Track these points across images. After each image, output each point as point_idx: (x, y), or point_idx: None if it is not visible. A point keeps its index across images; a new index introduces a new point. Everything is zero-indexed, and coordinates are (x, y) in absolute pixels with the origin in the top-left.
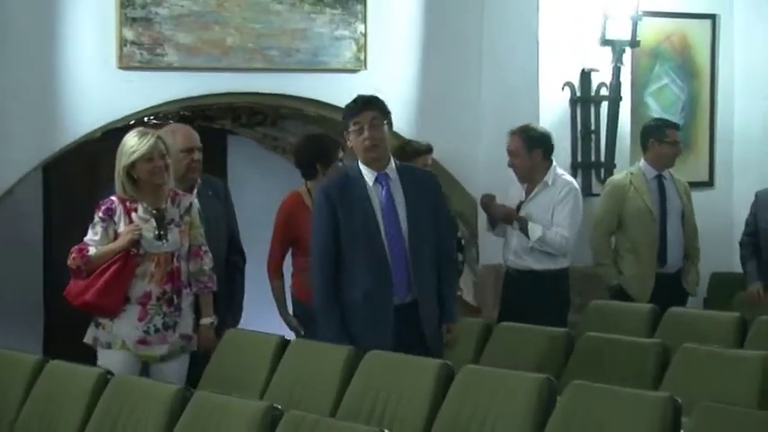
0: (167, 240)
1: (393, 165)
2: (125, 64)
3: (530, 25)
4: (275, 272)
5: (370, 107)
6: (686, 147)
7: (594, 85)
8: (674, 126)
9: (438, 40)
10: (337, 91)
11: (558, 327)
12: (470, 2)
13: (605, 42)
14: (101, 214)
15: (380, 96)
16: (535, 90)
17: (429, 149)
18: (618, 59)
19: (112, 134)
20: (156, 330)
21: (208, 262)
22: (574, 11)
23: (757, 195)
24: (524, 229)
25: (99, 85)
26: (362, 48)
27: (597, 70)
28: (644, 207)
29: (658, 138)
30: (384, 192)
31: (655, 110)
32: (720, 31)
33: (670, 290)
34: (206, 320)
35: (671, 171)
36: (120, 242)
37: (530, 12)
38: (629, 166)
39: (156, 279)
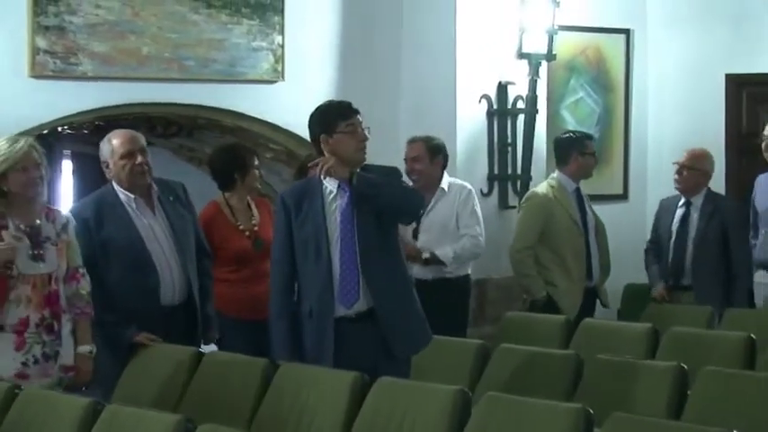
0: (44, 261)
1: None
2: (37, 73)
3: (447, 38)
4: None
5: (357, 111)
6: (601, 159)
7: (511, 98)
8: (591, 137)
9: (356, 53)
10: (254, 102)
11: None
12: (389, 15)
13: (522, 56)
14: None
15: (297, 108)
16: (452, 102)
17: None
18: (534, 72)
19: None
20: (36, 362)
21: (85, 285)
22: (491, 24)
23: (661, 203)
24: (436, 261)
25: (10, 94)
26: (280, 59)
27: (514, 83)
28: (570, 220)
29: (581, 150)
30: (346, 197)
31: (570, 122)
32: (634, 45)
33: (592, 304)
34: (84, 348)
35: None
36: None
37: (447, 24)
38: (544, 176)
39: (33, 304)
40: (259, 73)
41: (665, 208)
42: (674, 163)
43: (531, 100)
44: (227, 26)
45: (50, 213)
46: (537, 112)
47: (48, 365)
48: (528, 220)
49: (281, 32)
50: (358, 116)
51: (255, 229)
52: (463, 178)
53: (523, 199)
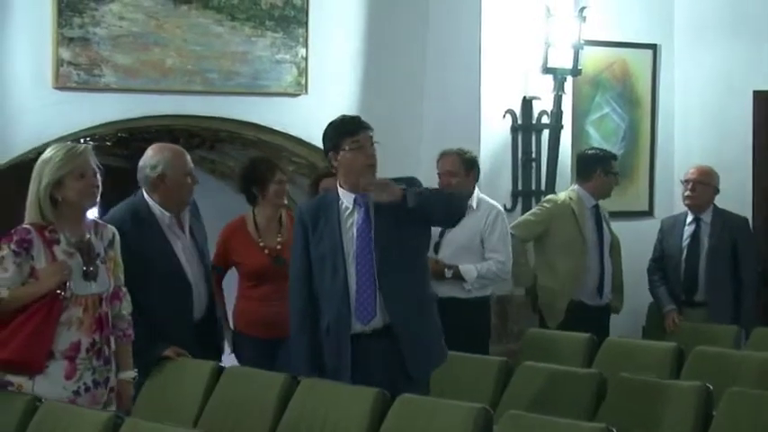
0: (95, 279)
1: None
2: (61, 84)
3: (472, 52)
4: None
5: (366, 127)
6: (626, 176)
7: (536, 113)
8: (616, 157)
9: (380, 66)
10: (277, 115)
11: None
12: (413, 29)
13: (547, 71)
14: (13, 246)
15: (320, 122)
16: (477, 117)
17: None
18: (559, 88)
19: None
20: (87, 389)
21: (126, 306)
22: (516, 38)
23: (663, 223)
24: (459, 277)
25: (33, 105)
26: (303, 72)
27: (539, 98)
28: (577, 234)
29: (606, 168)
30: (362, 213)
31: (595, 138)
32: (661, 60)
33: (606, 323)
34: (128, 375)
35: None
36: (47, 283)
37: (472, 39)
38: None
39: (84, 327)
40: (282, 86)
41: (670, 227)
42: (683, 180)
43: (556, 115)
44: (250, 39)
45: (98, 227)
46: (562, 127)
47: (98, 392)
48: (534, 215)
49: (305, 45)
50: (367, 132)
51: (279, 247)
52: (487, 193)
53: (542, 200)
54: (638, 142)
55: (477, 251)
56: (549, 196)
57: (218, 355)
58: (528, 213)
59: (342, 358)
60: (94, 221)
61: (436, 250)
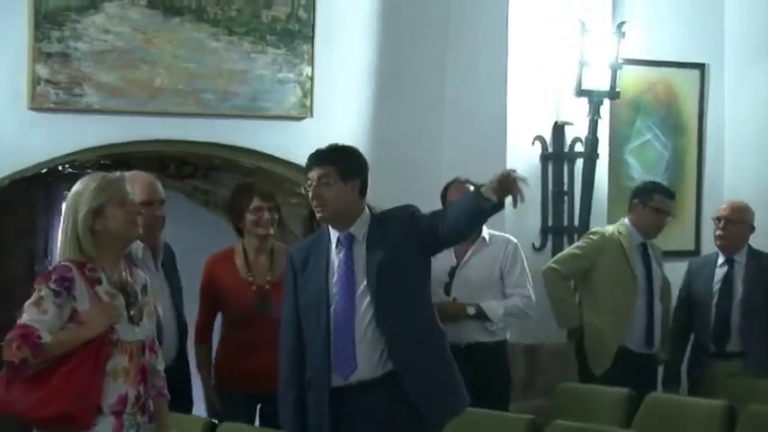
0: (138, 324)
1: (364, 221)
2: (38, 104)
3: (498, 72)
4: (198, 336)
5: (321, 161)
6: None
7: (568, 140)
8: (664, 193)
9: (395, 87)
10: (279, 140)
11: (501, 409)
12: (432, 45)
13: (581, 93)
14: (53, 286)
15: None
16: (502, 144)
17: None
18: (595, 112)
19: (21, 184)
20: None
21: (161, 360)
22: (547, 57)
23: (690, 265)
24: (483, 315)
25: (6, 127)
26: (308, 93)
27: (571, 123)
28: (626, 270)
29: (643, 200)
30: (343, 254)
31: (635, 168)
32: (709, 81)
33: (653, 375)
34: None
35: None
36: (95, 326)
37: (498, 58)
38: None
39: (130, 377)
40: (285, 108)
41: (698, 269)
42: (714, 218)
43: (591, 143)
44: (249, 55)
45: (129, 268)
46: (597, 156)
47: None
48: (579, 248)
49: (311, 63)
50: (316, 170)
51: (267, 287)
52: (513, 230)
53: (587, 233)
54: (683, 173)
55: (496, 288)
56: (596, 228)
57: (187, 407)
58: (571, 247)
59: (322, 416)
60: (126, 262)
61: (447, 291)
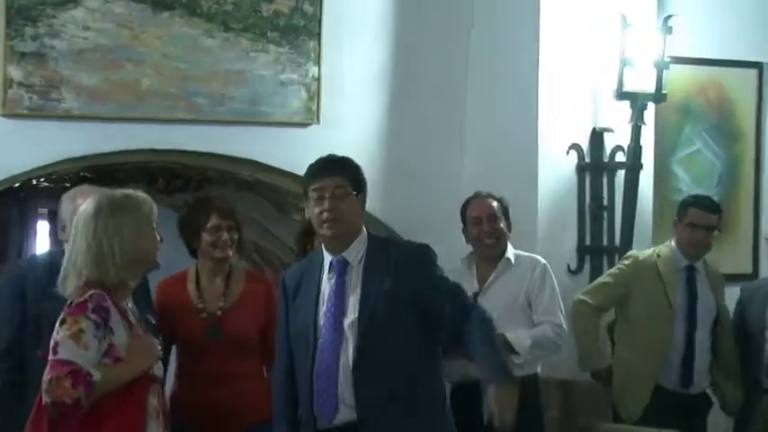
0: (160, 359)
1: (361, 245)
2: (10, 110)
3: (528, 73)
4: None
5: (335, 170)
6: (723, 228)
7: (608, 149)
8: (704, 207)
9: (412, 90)
10: (281, 150)
11: None
12: (453, 41)
13: (622, 95)
14: (93, 317)
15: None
16: (534, 153)
17: None
18: (638, 117)
19: None
20: None
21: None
22: (583, 55)
23: (742, 291)
24: (507, 347)
25: None
26: (314, 96)
27: (612, 130)
28: (664, 299)
29: (680, 216)
30: (334, 281)
31: (684, 181)
32: None
33: (688, 418)
34: None
35: (706, 260)
36: (141, 363)
37: (528, 55)
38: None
39: (161, 419)
40: (288, 113)
41: (752, 295)
42: (764, 238)
43: (634, 151)
44: (248, 54)
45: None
46: (641, 167)
47: None
48: (611, 276)
49: (317, 63)
50: (332, 179)
51: (219, 312)
52: (546, 251)
53: (621, 258)
54: (738, 186)
55: (522, 315)
56: (630, 252)
57: None
58: (603, 275)
59: None
60: None
61: None
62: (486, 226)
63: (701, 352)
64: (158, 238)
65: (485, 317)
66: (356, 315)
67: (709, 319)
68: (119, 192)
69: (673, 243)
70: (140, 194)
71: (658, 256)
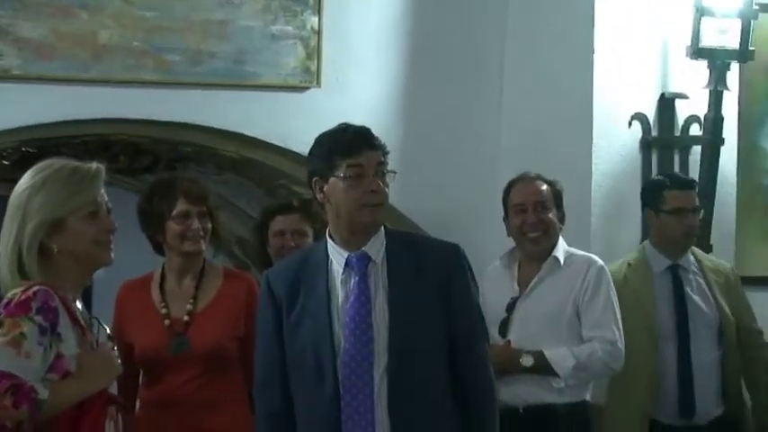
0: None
1: (381, 239)
2: None
3: (580, 28)
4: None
5: (375, 143)
6: None
7: (681, 120)
8: (679, 185)
9: (431, 44)
10: (273, 120)
11: None
12: None
13: (699, 53)
14: (38, 319)
15: None
16: (587, 126)
17: None
18: (718, 80)
19: None
20: None
21: None
22: (649, 4)
23: None
24: (545, 368)
25: None
26: (314, 53)
27: (685, 97)
28: (644, 319)
29: (654, 206)
30: (355, 283)
31: None
32: None
33: None
34: None
35: (699, 256)
36: (98, 381)
37: (581, 6)
38: (732, 249)
39: None
40: (281, 75)
41: None
42: None
43: (714, 123)
44: (232, 0)
45: None
46: (723, 142)
47: None
48: None
49: (317, 11)
50: (374, 154)
51: (186, 318)
52: (602, 244)
53: None
54: None
55: (568, 328)
56: None
57: None
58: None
59: None
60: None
61: (503, 332)
62: (532, 216)
63: (701, 371)
64: (107, 230)
65: (490, 384)
66: (387, 325)
67: (709, 332)
68: (56, 165)
69: (647, 244)
70: (85, 170)
71: (629, 264)
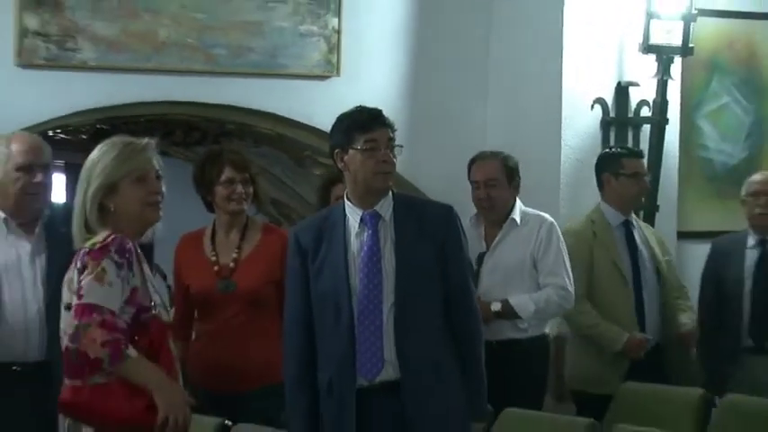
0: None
1: (389, 200)
2: (26, 61)
3: (552, 26)
4: (175, 332)
5: (386, 124)
6: None
7: (633, 104)
8: (634, 154)
9: (435, 41)
10: (301, 103)
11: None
12: None
13: (648, 48)
14: (116, 257)
15: None
16: (557, 108)
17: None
18: (664, 71)
19: None
20: None
21: None
22: (609, 8)
23: (713, 246)
24: (510, 314)
25: None
26: (335, 48)
27: (637, 84)
28: (612, 266)
29: (614, 171)
30: (368, 236)
31: (711, 137)
32: None
33: (647, 376)
34: None
35: (636, 218)
36: (168, 399)
37: (552, 8)
38: (675, 209)
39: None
40: (308, 66)
41: (724, 251)
42: (750, 193)
43: (660, 106)
44: (267, 4)
45: None
46: (667, 122)
47: None
48: (570, 260)
49: (337, 13)
50: (385, 130)
51: (231, 264)
52: (569, 208)
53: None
54: (766, 142)
55: (528, 277)
56: (566, 228)
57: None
58: (566, 261)
59: (344, 421)
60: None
61: (475, 282)
62: (483, 192)
63: (649, 312)
64: (155, 193)
65: (478, 330)
66: (394, 270)
67: (651, 275)
68: (117, 140)
69: (601, 203)
70: (138, 144)
71: (593, 222)
